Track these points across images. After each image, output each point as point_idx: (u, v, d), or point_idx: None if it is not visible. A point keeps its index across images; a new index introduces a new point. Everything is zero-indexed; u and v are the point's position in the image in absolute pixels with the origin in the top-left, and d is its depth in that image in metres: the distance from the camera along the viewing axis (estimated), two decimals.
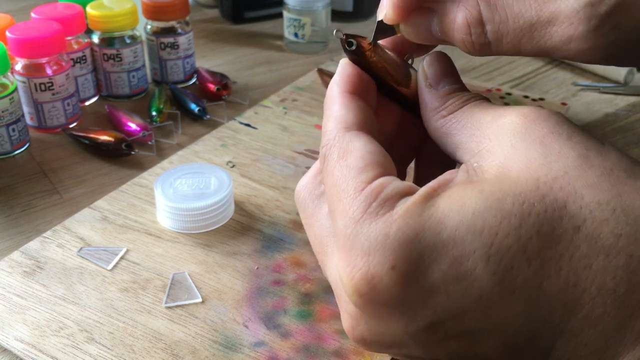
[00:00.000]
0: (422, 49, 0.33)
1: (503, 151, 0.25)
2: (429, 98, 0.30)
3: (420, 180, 0.33)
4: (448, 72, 0.30)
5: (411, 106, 0.32)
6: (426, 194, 0.25)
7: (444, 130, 0.29)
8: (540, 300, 0.23)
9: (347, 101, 0.29)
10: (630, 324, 0.22)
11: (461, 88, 0.30)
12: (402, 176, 0.33)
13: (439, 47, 0.33)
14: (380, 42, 0.31)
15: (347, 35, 0.30)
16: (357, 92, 0.30)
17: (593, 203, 0.23)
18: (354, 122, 0.29)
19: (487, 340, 0.24)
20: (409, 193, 0.25)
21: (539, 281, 0.23)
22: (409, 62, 0.32)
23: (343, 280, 0.25)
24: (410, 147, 0.34)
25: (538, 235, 0.23)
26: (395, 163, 0.29)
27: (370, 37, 0.30)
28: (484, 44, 0.29)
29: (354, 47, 0.30)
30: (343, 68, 0.31)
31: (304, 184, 0.31)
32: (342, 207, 0.26)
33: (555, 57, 0.28)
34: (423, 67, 0.30)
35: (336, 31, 0.30)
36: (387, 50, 0.31)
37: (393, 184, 0.26)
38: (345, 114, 0.29)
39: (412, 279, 0.24)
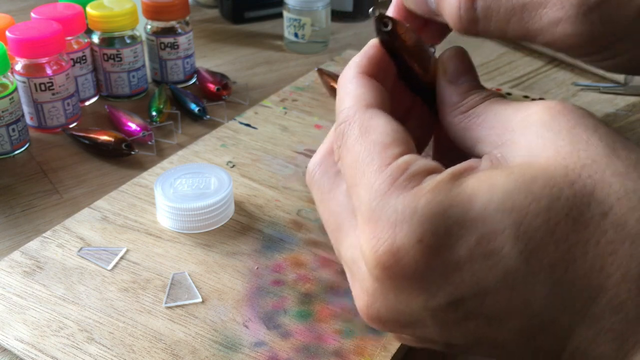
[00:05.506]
0: (436, 35, 0.33)
1: (529, 141, 0.25)
2: (449, 93, 0.29)
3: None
4: (467, 69, 0.30)
5: (428, 93, 0.31)
6: (454, 173, 0.25)
7: (463, 125, 0.28)
8: (565, 284, 0.23)
9: (365, 81, 0.29)
10: None
11: (480, 85, 0.30)
12: None
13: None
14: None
15: (382, 15, 0.29)
16: (375, 76, 0.30)
17: (621, 191, 0.23)
18: (373, 101, 0.28)
19: (506, 323, 0.24)
20: (435, 171, 0.25)
21: (565, 265, 0.23)
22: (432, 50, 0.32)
23: (365, 254, 0.25)
24: (423, 134, 0.34)
25: (567, 218, 0.23)
26: None
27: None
28: (471, 20, 0.29)
29: (389, 27, 0.29)
30: (368, 49, 0.31)
31: (317, 162, 0.31)
32: (367, 180, 0.26)
33: (537, 41, 0.28)
34: (443, 60, 0.30)
35: (372, 9, 0.29)
36: (415, 34, 0.30)
37: (420, 161, 0.26)
38: (364, 92, 0.29)
39: (438, 254, 0.24)
